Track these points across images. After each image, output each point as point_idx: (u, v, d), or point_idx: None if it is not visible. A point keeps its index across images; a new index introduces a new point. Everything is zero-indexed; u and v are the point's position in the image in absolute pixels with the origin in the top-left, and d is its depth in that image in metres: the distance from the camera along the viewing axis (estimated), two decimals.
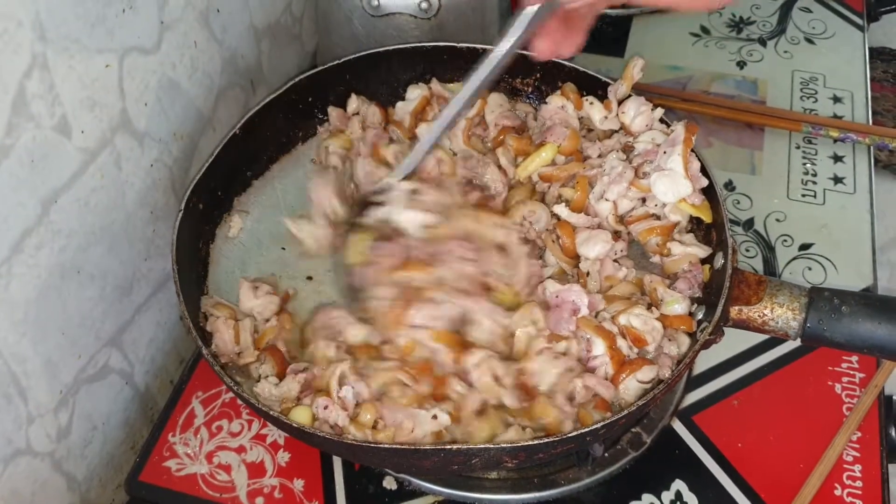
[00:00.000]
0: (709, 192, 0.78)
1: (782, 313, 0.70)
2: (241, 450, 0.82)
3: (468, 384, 0.69)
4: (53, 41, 0.66)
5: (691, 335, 0.73)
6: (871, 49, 1.23)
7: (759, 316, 0.71)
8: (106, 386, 0.82)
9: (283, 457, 0.81)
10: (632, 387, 0.69)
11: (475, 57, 0.92)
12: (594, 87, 0.88)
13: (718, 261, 0.75)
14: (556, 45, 0.66)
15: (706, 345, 0.70)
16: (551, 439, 0.62)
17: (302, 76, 0.89)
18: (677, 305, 0.74)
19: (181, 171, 0.87)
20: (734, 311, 0.71)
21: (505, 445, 0.62)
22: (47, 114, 0.67)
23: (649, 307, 0.74)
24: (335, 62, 0.90)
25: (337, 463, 0.81)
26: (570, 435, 0.63)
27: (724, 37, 1.23)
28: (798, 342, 0.72)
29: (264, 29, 1.01)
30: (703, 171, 0.78)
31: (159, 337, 0.90)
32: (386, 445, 0.65)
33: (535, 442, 0.62)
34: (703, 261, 0.78)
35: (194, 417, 0.84)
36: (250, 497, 0.79)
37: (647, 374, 0.69)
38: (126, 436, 0.87)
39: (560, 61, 0.90)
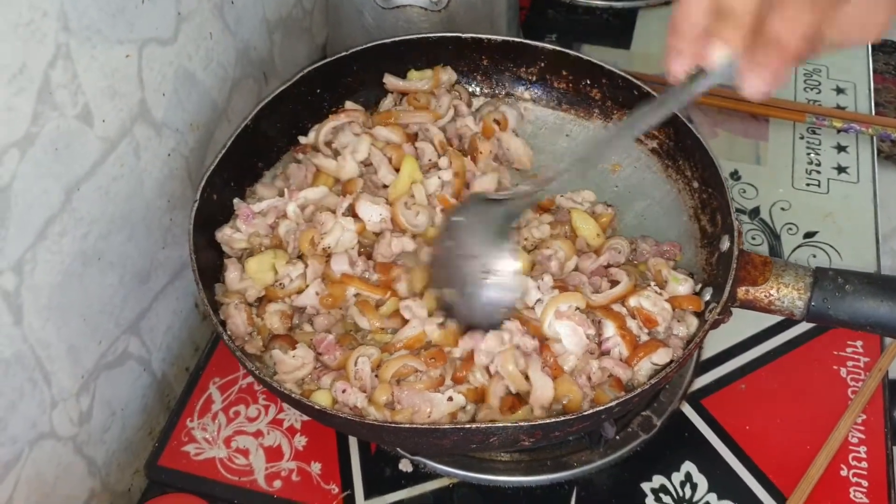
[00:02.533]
0: (714, 178, 0.80)
1: (788, 293, 0.72)
2: (258, 434, 0.83)
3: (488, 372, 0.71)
4: (76, 32, 0.67)
5: (699, 315, 0.75)
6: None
7: (765, 296, 0.73)
8: (125, 372, 0.83)
9: (300, 441, 0.83)
10: (645, 368, 0.71)
11: (480, 47, 0.93)
12: (598, 77, 0.90)
13: (724, 243, 0.76)
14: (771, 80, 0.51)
15: (715, 324, 0.72)
16: (567, 417, 0.64)
17: (311, 67, 0.90)
18: (681, 286, 0.75)
19: (197, 160, 0.89)
20: (741, 292, 0.73)
21: (522, 424, 0.64)
22: (70, 103, 0.68)
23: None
24: (343, 53, 0.91)
25: (353, 446, 0.82)
26: (586, 413, 0.64)
27: None
28: (803, 322, 0.73)
29: (276, 21, 1.02)
30: (708, 157, 0.80)
31: (175, 325, 0.91)
32: (406, 425, 0.67)
33: (552, 420, 0.64)
34: (710, 245, 0.80)
35: (212, 403, 0.85)
36: (268, 480, 0.80)
37: (662, 356, 0.71)
38: (144, 422, 0.88)
39: (564, 50, 0.91)
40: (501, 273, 0.70)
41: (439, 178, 0.84)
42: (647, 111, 0.61)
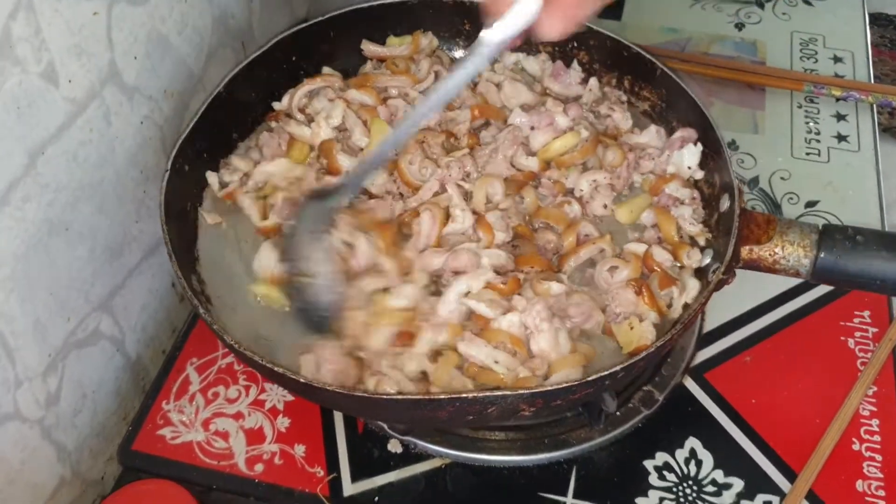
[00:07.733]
0: (710, 137, 0.77)
1: (793, 251, 0.70)
2: (238, 416, 0.79)
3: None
4: None
5: (702, 278, 0.72)
6: (868, 15, 1.21)
7: (769, 255, 0.70)
8: (96, 352, 0.78)
9: (283, 422, 0.78)
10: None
11: (462, 10, 0.90)
12: (585, 39, 0.86)
13: (724, 203, 0.73)
14: (566, 21, 0.57)
15: (718, 286, 0.68)
16: (570, 384, 0.60)
17: (285, 33, 0.86)
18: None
19: (172, 130, 0.84)
20: (745, 251, 0.70)
21: (523, 392, 0.60)
22: (33, 59, 0.63)
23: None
24: (319, 18, 0.87)
25: (339, 427, 0.78)
26: (589, 379, 0.60)
27: None
28: (809, 290, 0.70)
29: None
30: (704, 117, 0.77)
31: (151, 304, 0.86)
32: (400, 397, 0.62)
33: (553, 387, 0.60)
34: (708, 206, 0.77)
35: (189, 384, 0.81)
36: (249, 464, 0.76)
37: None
38: (117, 405, 0.83)
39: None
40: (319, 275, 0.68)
41: None
42: (469, 59, 0.61)
